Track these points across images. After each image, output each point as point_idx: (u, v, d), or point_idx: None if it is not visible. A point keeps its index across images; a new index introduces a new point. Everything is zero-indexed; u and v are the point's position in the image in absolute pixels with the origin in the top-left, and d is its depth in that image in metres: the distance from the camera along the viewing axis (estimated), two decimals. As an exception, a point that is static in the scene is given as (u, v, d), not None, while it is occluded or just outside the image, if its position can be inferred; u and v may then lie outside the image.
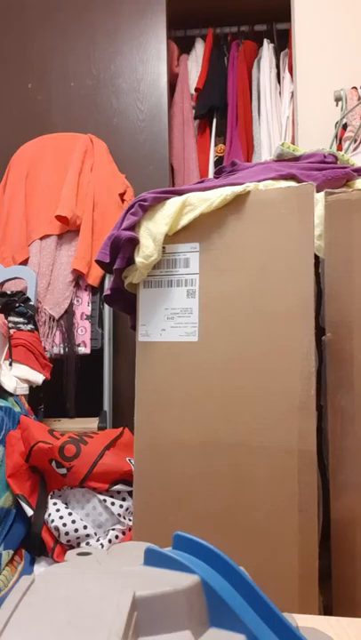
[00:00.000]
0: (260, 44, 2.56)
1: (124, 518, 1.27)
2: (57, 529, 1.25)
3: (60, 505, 1.30)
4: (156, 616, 0.28)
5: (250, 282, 0.93)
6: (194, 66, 2.64)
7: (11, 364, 1.56)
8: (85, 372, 1.94)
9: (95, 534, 1.26)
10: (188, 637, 0.28)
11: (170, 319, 0.98)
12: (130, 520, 1.27)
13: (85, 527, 1.25)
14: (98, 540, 1.25)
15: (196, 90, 2.58)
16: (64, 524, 1.25)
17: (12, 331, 1.65)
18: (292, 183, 1.00)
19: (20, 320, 1.72)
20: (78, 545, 1.25)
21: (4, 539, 1.23)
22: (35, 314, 1.80)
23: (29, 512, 1.29)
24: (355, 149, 1.78)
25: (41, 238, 1.98)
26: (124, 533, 1.27)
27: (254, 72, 2.54)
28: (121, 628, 0.25)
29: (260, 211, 0.95)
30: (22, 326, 1.71)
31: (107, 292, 1.10)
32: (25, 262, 1.97)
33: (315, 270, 0.92)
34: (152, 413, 0.98)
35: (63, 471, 1.29)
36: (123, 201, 2.07)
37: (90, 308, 1.94)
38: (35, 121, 2.31)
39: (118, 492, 1.30)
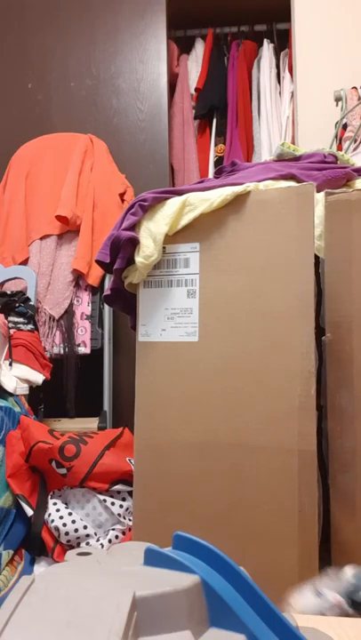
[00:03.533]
0: (260, 44, 2.56)
1: (124, 518, 1.27)
2: (57, 529, 1.25)
3: (60, 505, 1.30)
4: (156, 616, 0.28)
5: (250, 282, 0.93)
6: (194, 66, 2.63)
7: (11, 364, 1.56)
8: (85, 372, 1.94)
9: (95, 534, 1.26)
10: (188, 637, 0.28)
11: (170, 319, 0.98)
12: (130, 520, 1.27)
13: (85, 527, 1.25)
14: (98, 540, 1.25)
15: (196, 90, 2.58)
16: (64, 524, 1.25)
17: (12, 331, 1.65)
18: (292, 183, 1.00)
19: (20, 320, 1.72)
20: (78, 545, 1.25)
21: (4, 539, 1.23)
22: (35, 314, 1.80)
23: (29, 512, 1.29)
24: (355, 149, 1.78)
25: (41, 238, 1.98)
26: (124, 533, 1.27)
27: (254, 72, 2.54)
28: (121, 628, 0.25)
29: (260, 211, 0.95)
30: (22, 326, 1.71)
31: (107, 292, 1.10)
32: (25, 262, 1.97)
33: (315, 270, 0.92)
34: (152, 413, 0.98)
35: (63, 471, 1.29)
36: (123, 201, 2.07)
37: (90, 308, 1.94)
38: (35, 121, 2.31)
39: (118, 492, 1.30)
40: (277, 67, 2.53)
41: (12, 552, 1.24)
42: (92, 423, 1.82)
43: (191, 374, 0.95)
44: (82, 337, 1.92)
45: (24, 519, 1.30)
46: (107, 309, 1.97)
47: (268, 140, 2.40)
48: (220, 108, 2.53)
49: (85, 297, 1.95)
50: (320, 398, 0.92)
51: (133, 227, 0.99)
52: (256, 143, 2.45)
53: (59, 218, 1.93)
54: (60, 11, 2.37)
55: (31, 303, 1.81)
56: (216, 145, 2.52)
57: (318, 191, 0.98)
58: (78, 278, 1.95)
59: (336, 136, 1.90)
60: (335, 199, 0.93)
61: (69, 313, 1.92)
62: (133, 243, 0.98)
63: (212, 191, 0.98)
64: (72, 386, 1.91)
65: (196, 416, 0.94)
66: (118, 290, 1.07)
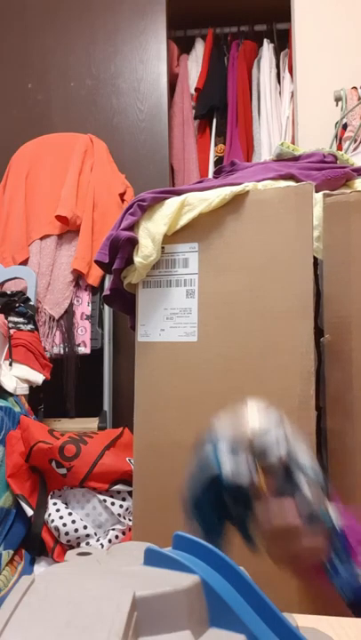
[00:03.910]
0: (260, 44, 2.56)
1: (124, 518, 1.27)
2: (57, 529, 1.25)
3: (60, 505, 1.30)
4: (156, 616, 0.28)
5: (249, 281, 0.93)
6: (194, 66, 2.63)
7: (11, 364, 1.56)
8: (85, 372, 1.94)
9: (95, 534, 1.26)
10: (188, 637, 0.28)
11: (169, 319, 0.98)
12: (130, 520, 1.27)
13: (85, 527, 1.25)
14: (98, 540, 1.25)
15: (196, 90, 2.58)
16: (64, 524, 1.25)
17: (12, 331, 1.65)
18: (291, 183, 1.00)
19: (20, 320, 1.72)
20: (78, 545, 1.25)
21: (4, 539, 1.23)
22: (35, 314, 1.80)
23: (29, 512, 1.29)
24: (355, 149, 1.78)
25: (41, 238, 1.97)
26: (124, 533, 1.27)
27: (254, 72, 2.54)
28: (121, 628, 0.25)
29: (259, 210, 0.95)
30: (22, 326, 1.71)
31: (106, 292, 1.10)
32: (25, 262, 1.97)
33: (314, 271, 0.92)
34: (151, 413, 0.98)
35: (63, 471, 1.29)
36: (123, 201, 2.07)
37: (90, 308, 1.94)
38: (35, 121, 2.31)
39: (118, 492, 1.30)
40: (277, 67, 2.53)
41: (11, 552, 1.24)
42: (92, 423, 1.82)
43: (191, 374, 0.95)
44: (82, 337, 1.92)
45: (24, 519, 1.30)
46: (107, 309, 1.97)
47: (268, 140, 2.40)
48: (220, 108, 2.53)
49: (85, 297, 1.95)
50: (320, 398, 0.92)
51: (132, 227, 0.99)
52: (256, 143, 2.45)
53: (59, 218, 1.93)
54: (60, 11, 2.37)
55: (31, 303, 1.81)
56: (216, 145, 2.52)
57: (317, 191, 0.98)
58: (78, 278, 1.95)
59: (336, 136, 1.90)
60: (334, 201, 0.94)
61: (69, 313, 1.92)
62: (132, 243, 0.98)
63: (210, 191, 0.98)
64: (72, 386, 1.91)
65: (195, 416, 0.94)
66: (118, 290, 1.07)
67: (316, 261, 0.94)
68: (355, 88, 1.93)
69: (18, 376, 1.55)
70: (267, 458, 0.49)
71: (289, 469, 0.50)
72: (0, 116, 2.35)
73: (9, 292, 1.79)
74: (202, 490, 0.52)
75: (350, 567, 0.50)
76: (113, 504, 1.27)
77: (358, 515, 0.53)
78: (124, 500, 1.30)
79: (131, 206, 0.99)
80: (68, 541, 1.25)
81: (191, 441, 0.94)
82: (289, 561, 0.52)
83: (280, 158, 1.17)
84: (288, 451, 0.50)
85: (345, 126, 1.88)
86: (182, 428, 0.95)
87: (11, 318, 1.70)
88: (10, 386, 1.49)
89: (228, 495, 0.50)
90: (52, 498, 1.32)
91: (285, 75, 2.49)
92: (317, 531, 0.49)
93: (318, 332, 0.93)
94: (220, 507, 0.51)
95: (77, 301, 1.95)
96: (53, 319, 1.91)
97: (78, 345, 1.91)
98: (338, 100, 1.95)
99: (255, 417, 0.52)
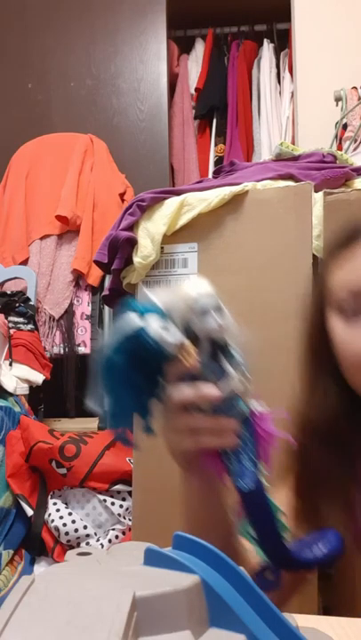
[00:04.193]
0: (260, 44, 2.56)
1: (124, 518, 1.27)
2: (57, 529, 1.25)
3: (60, 505, 1.30)
4: (156, 616, 0.28)
5: (248, 281, 0.93)
6: (194, 66, 2.63)
7: (11, 364, 1.56)
8: (85, 372, 1.94)
9: (95, 534, 1.26)
10: (188, 637, 0.28)
11: (170, 319, 0.98)
12: (130, 520, 1.27)
13: (85, 527, 1.25)
14: (98, 540, 1.25)
15: (196, 90, 2.58)
16: (64, 524, 1.25)
17: (12, 331, 1.65)
18: (290, 183, 1.00)
19: (20, 320, 1.72)
20: (78, 545, 1.25)
21: (4, 539, 1.23)
22: (35, 314, 1.80)
23: (29, 512, 1.29)
24: (355, 149, 1.78)
25: (41, 238, 1.97)
26: (124, 533, 1.27)
27: (254, 72, 2.54)
28: (121, 628, 0.25)
29: (258, 210, 0.95)
30: (22, 326, 1.71)
31: (105, 292, 1.10)
32: (25, 262, 1.97)
33: (314, 270, 0.92)
34: (152, 413, 0.97)
35: (63, 471, 1.29)
36: (123, 201, 2.07)
37: (90, 308, 1.94)
38: (35, 121, 2.31)
39: (118, 492, 1.30)
40: (277, 67, 2.53)
41: (12, 552, 1.24)
42: (92, 423, 1.82)
43: (191, 374, 0.95)
44: (82, 337, 1.92)
45: (24, 519, 1.30)
46: (107, 309, 1.97)
47: (268, 140, 2.40)
48: (220, 108, 2.53)
49: (85, 297, 1.95)
50: (320, 398, 0.92)
51: (132, 227, 0.99)
52: (256, 143, 2.45)
53: (59, 218, 1.93)
54: (60, 11, 2.37)
55: (31, 303, 1.81)
56: (216, 145, 2.52)
57: (317, 191, 0.98)
58: (78, 278, 1.95)
59: (336, 136, 1.90)
60: (334, 199, 0.93)
61: (69, 313, 1.92)
62: (131, 243, 0.98)
63: (210, 191, 0.98)
64: (72, 386, 1.91)
65: (195, 416, 0.94)
66: (117, 290, 1.07)
67: (316, 260, 0.94)
68: (355, 88, 1.93)
69: (18, 376, 1.55)
70: (198, 327, 0.46)
71: (217, 347, 0.47)
72: (0, 116, 2.35)
73: (9, 292, 1.79)
74: (117, 349, 0.45)
75: (253, 458, 0.48)
76: (113, 504, 1.27)
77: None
78: (124, 499, 1.30)
79: (130, 206, 0.99)
80: (68, 541, 1.25)
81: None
82: (189, 445, 0.49)
83: (280, 158, 1.17)
84: (221, 327, 0.46)
85: (345, 126, 1.88)
86: (182, 427, 0.95)
87: (11, 318, 1.70)
88: (10, 386, 1.49)
89: (143, 360, 0.45)
90: (52, 498, 1.32)
91: (285, 75, 2.49)
92: (231, 416, 0.47)
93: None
94: (131, 377, 0.46)
95: (77, 301, 1.95)
96: (53, 319, 1.91)
97: (78, 345, 1.91)
98: (338, 100, 1.95)
99: (194, 287, 0.47)
